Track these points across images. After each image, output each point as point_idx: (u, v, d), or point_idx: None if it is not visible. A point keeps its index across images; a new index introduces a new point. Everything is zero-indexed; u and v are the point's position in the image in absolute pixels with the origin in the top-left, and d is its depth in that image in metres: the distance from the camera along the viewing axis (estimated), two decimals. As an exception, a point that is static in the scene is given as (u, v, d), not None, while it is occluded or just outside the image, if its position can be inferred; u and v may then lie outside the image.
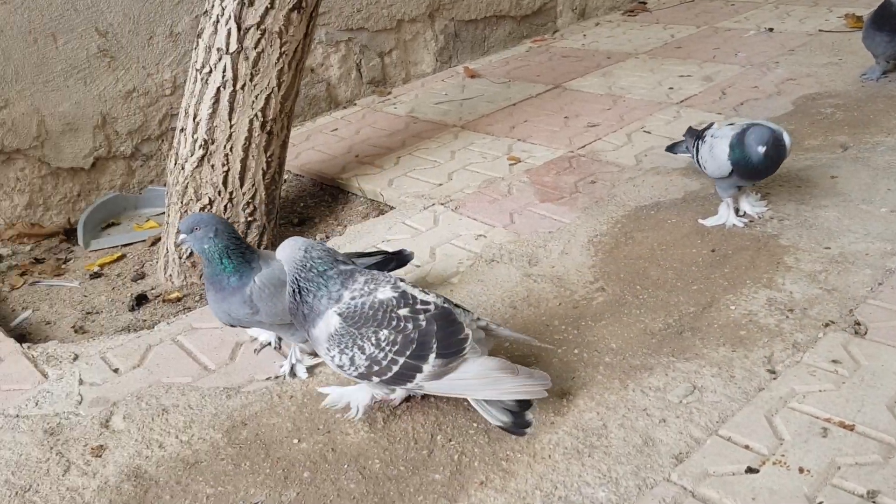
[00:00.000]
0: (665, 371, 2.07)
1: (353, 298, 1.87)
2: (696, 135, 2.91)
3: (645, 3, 6.23)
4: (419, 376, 1.84)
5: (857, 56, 4.22)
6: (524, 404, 1.87)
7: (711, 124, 2.87)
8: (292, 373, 2.24)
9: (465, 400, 2.05)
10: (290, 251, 1.93)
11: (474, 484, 1.79)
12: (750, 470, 1.72)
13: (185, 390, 2.22)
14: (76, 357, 2.42)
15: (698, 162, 2.83)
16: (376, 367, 1.84)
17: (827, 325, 2.17)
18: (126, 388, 2.25)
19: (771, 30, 5.06)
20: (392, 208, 3.33)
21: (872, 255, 2.46)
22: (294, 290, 1.91)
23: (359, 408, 2.01)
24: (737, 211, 2.79)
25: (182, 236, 2.13)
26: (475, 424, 1.96)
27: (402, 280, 1.95)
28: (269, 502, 1.81)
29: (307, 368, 2.25)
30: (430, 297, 1.91)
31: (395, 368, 1.83)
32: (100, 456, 2.00)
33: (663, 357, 2.13)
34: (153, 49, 3.86)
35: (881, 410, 1.82)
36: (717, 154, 2.67)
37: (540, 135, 3.83)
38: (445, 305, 1.92)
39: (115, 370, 2.34)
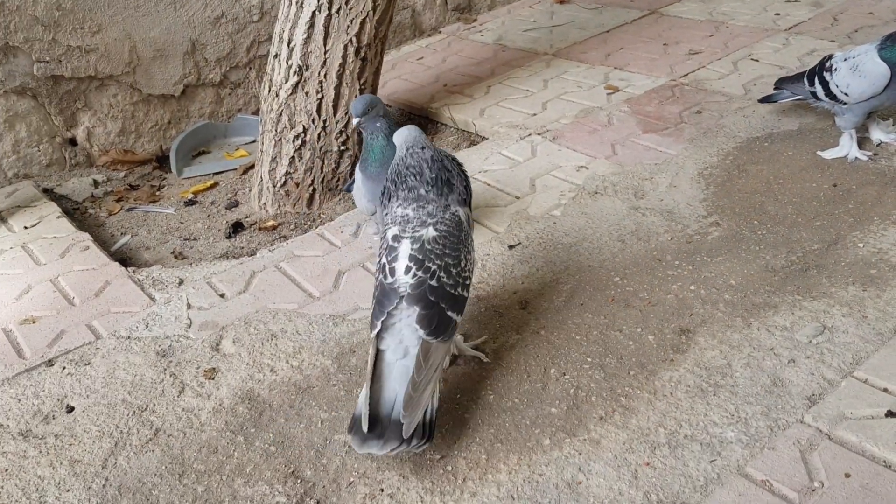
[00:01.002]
0: (791, 310, 1.97)
1: (403, 231, 1.79)
2: (808, 74, 2.72)
3: (743, -75, 5.84)
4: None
5: None
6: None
7: (829, 55, 2.69)
8: None
9: (579, 335, 1.99)
10: (399, 142, 1.97)
11: (593, 419, 1.74)
12: (891, 414, 1.62)
13: (291, 316, 2.22)
14: (181, 282, 2.44)
15: (829, 94, 2.62)
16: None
17: (968, 265, 2.02)
18: (233, 313, 2.26)
19: (885, -49, 4.70)
20: (485, 139, 3.24)
21: None
22: (386, 183, 1.92)
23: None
24: (859, 143, 2.61)
25: (356, 119, 2.22)
26: (589, 359, 1.91)
27: (413, 241, 1.77)
28: (383, 430, 1.79)
29: None
30: (402, 277, 1.74)
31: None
32: (212, 378, 2.02)
33: (788, 295, 2.02)
34: (241, -27, 3.80)
35: None
36: (867, 69, 2.49)
37: (638, 63, 3.66)
38: (395, 288, 1.73)
39: (222, 295, 2.35)
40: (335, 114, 3.01)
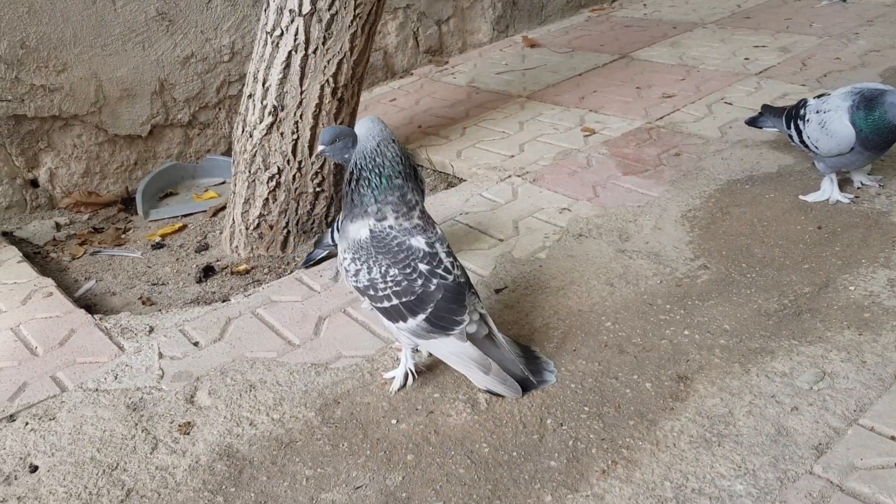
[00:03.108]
0: (788, 355, 1.93)
1: (391, 227, 1.85)
2: (786, 113, 2.72)
3: (705, -27, 5.98)
4: (402, 324, 1.87)
5: (945, 26, 4.01)
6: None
7: (804, 101, 2.68)
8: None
9: (573, 383, 1.93)
10: (365, 133, 1.88)
11: (595, 472, 1.66)
12: (901, 464, 1.58)
13: (270, 366, 2.11)
14: (152, 329, 2.32)
15: (803, 142, 2.63)
16: (371, 292, 1.87)
17: (960, 308, 2.01)
18: (209, 363, 2.15)
19: (844, 0, 4.83)
20: (463, 180, 3.19)
21: None
22: (352, 176, 1.88)
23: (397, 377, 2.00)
24: (841, 186, 2.62)
25: (321, 147, 2.10)
26: (586, 408, 1.84)
27: (440, 242, 1.89)
28: (372, 486, 1.70)
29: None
30: (455, 271, 1.88)
31: (386, 304, 1.86)
32: (188, 433, 1.90)
33: (783, 340, 1.99)
34: (212, 13, 3.74)
35: None
36: (834, 130, 2.46)
37: (612, 105, 3.67)
38: (461, 282, 1.88)
39: (196, 343, 2.24)
40: (311, 155, 2.94)
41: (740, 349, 1.97)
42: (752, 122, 2.96)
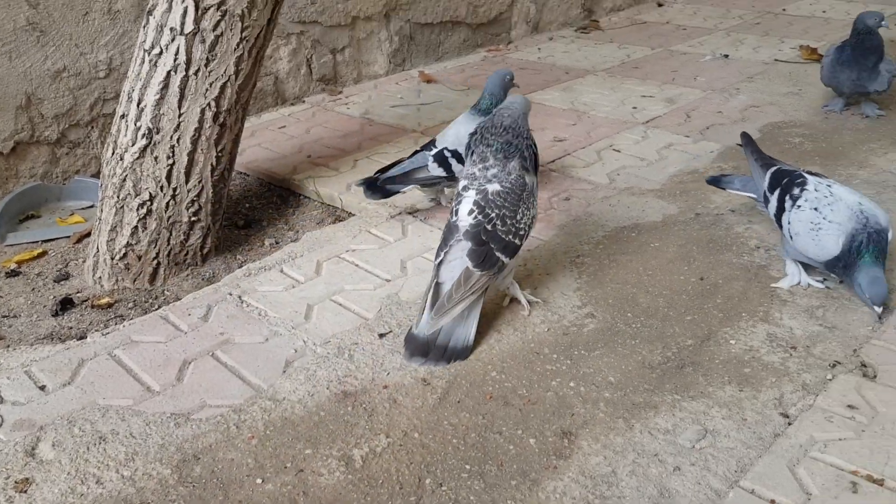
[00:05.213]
0: (671, 410, 1.90)
1: (471, 184, 2.20)
2: (773, 174, 2.48)
3: (598, 22, 6.16)
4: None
5: (816, 87, 4.22)
6: None
7: (803, 179, 2.40)
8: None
9: (456, 438, 1.83)
10: (505, 103, 2.35)
11: (474, 538, 1.57)
12: (779, 528, 1.56)
13: (125, 415, 1.91)
14: (-9, 370, 2.08)
15: (780, 223, 2.42)
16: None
17: (833, 365, 2.05)
18: (55, 410, 1.92)
19: (727, 56, 5.06)
20: (352, 215, 3.08)
21: (867, 292, 2.36)
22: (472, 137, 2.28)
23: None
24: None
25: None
26: (467, 466, 1.74)
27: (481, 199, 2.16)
28: (231, 555, 1.54)
29: None
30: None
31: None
32: (25, 491, 1.68)
33: (667, 394, 1.96)
34: (88, 26, 3.49)
35: (910, 463, 1.70)
36: (825, 243, 2.27)
37: (506, 146, 3.64)
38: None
39: (42, 387, 2.01)
40: (187, 182, 2.76)
41: (625, 403, 1.93)
42: (715, 182, 2.79)
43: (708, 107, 4.12)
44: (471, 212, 2.14)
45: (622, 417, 1.89)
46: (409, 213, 2.99)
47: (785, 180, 2.45)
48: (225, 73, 2.72)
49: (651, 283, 2.48)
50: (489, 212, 2.13)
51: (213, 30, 2.66)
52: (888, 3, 6.08)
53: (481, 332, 2.22)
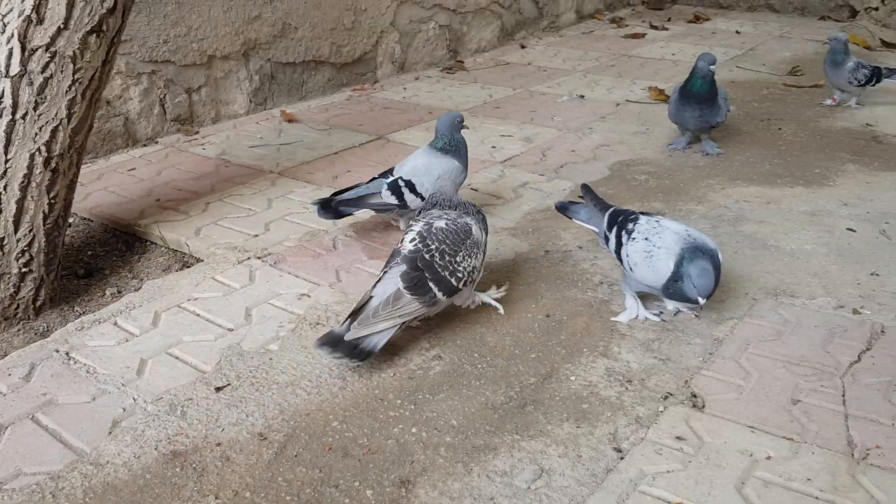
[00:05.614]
0: (510, 451, 1.91)
1: (423, 219, 2.46)
2: (611, 214, 2.60)
3: (463, 63, 6.30)
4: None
5: (663, 126, 4.45)
6: None
7: (635, 216, 2.56)
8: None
9: (289, 495, 1.76)
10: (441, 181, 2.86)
11: None
12: (608, 565, 1.58)
13: (-77, 492, 1.74)
14: None
15: (619, 256, 2.54)
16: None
17: (666, 397, 2.12)
18: None
19: (582, 97, 5.26)
20: (200, 261, 2.97)
21: (701, 324, 2.47)
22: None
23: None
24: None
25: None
26: (301, 523, 1.68)
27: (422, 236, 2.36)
28: None
29: None
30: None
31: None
32: None
33: (507, 435, 1.97)
34: None
35: (730, 493, 1.76)
36: (658, 267, 2.39)
37: (364, 187, 3.63)
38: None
39: None
40: (16, 231, 2.59)
41: (465, 447, 1.93)
42: (563, 210, 2.84)
43: (563, 146, 4.26)
44: (413, 240, 2.34)
45: (461, 462, 1.88)
46: (258, 258, 2.91)
47: (620, 218, 2.58)
48: (56, 116, 2.59)
49: (499, 321, 2.51)
50: (430, 243, 2.32)
51: (42, 72, 2.53)
52: (730, 47, 6.53)
53: (324, 381, 2.17)
